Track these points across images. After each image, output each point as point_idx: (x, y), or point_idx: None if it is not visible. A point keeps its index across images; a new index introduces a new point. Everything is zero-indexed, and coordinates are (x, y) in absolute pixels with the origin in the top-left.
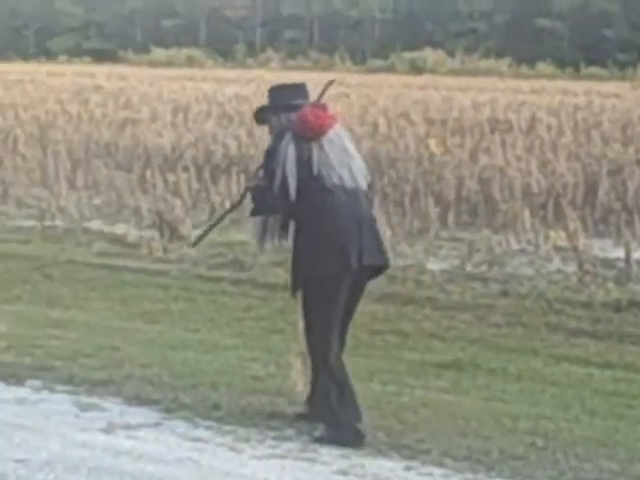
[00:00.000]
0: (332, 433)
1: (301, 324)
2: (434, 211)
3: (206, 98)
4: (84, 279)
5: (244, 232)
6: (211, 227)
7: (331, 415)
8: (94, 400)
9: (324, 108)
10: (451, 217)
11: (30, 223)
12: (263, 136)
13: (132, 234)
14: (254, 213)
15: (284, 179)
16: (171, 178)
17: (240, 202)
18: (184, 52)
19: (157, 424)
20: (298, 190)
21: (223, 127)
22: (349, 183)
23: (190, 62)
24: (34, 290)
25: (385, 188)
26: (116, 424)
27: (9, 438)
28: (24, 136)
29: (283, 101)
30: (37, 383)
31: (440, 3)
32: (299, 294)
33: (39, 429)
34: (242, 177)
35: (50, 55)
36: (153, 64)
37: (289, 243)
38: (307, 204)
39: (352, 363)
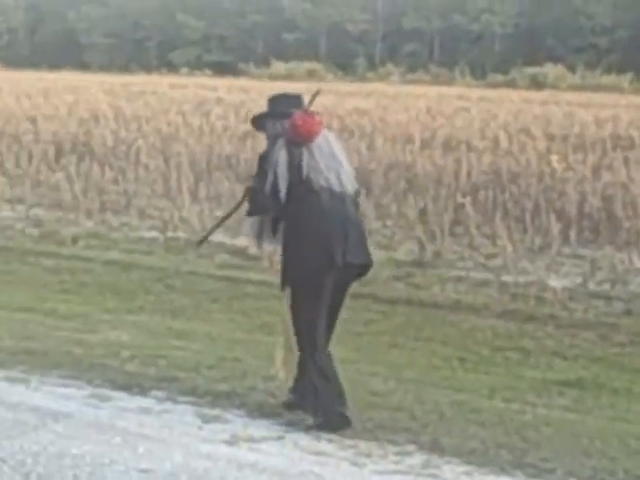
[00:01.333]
0: (320, 420)
1: (289, 318)
2: (556, 227)
3: (326, 111)
4: (206, 290)
5: None
6: (215, 228)
7: (319, 403)
8: (217, 412)
9: (312, 115)
10: (573, 234)
11: (153, 234)
12: (384, 150)
13: (254, 246)
14: (249, 213)
15: (275, 182)
16: None
17: (242, 203)
18: (304, 65)
19: (280, 437)
20: (289, 192)
21: (343, 140)
22: (336, 187)
23: (310, 76)
24: (157, 301)
25: (506, 203)
26: (239, 436)
27: (134, 448)
28: (147, 148)
29: (279, 109)
30: (160, 394)
31: (561, 18)
32: (287, 290)
33: (163, 439)
34: (362, 191)
35: (172, 67)
36: (273, 77)
37: (279, 242)
38: (296, 205)
39: (474, 379)
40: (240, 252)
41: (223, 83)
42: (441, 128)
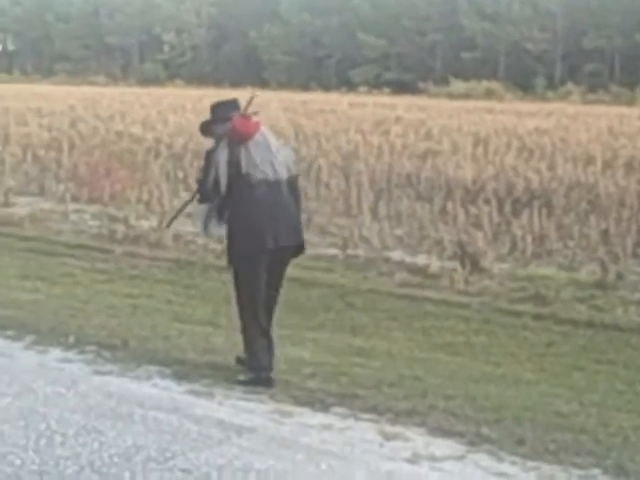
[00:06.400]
0: (250, 377)
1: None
2: None
3: (506, 131)
4: (386, 309)
5: (546, 266)
6: (179, 212)
7: (251, 363)
8: (398, 429)
9: (248, 118)
10: None
11: (332, 252)
12: (565, 170)
13: (434, 265)
14: (199, 201)
15: (217, 176)
16: (472, 210)
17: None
18: (483, 85)
19: (461, 457)
20: (229, 186)
21: (523, 160)
22: (271, 176)
23: (489, 95)
24: (337, 318)
25: None
26: (421, 455)
27: (316, 464)
28: (327, 166)
29: (222, 114)
30: (342, 410)
31: None
32: (231, 268)
33: (345, 456)
34: (544, 211)
35: (351, 86)
36: (451, 96)
37: (224, 229)
38: (235, 198)
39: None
40: (420, 270)
41: (402, 102)
42: (623, 148)
